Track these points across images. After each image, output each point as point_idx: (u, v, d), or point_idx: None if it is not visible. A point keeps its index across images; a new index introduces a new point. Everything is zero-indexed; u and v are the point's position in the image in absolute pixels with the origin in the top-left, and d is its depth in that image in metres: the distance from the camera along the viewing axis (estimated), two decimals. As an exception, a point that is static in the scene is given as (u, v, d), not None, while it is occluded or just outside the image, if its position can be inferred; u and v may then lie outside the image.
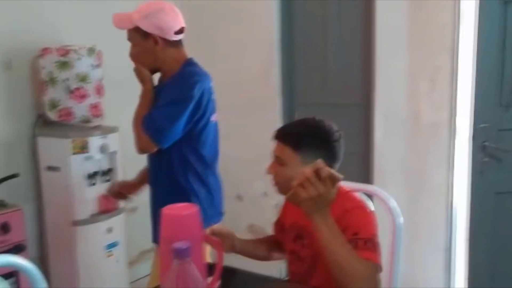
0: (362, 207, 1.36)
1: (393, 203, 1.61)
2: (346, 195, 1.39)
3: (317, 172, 1.15)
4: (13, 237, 2.11)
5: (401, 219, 1.59)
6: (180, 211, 1.16)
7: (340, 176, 1.18)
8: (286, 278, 1.67)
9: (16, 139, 2.52)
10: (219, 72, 3.25)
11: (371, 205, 1.46)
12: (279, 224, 1.60)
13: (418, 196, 2.57)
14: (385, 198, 1.62)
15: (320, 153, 1.33)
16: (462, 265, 2.53)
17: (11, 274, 2.03)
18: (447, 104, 2.43)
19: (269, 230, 3.25)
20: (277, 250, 1.60)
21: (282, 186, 1.38)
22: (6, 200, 2.24)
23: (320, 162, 1.17)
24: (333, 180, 1.16)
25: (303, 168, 1.21)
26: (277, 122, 3.07)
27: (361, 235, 1.26)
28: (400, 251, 1.60)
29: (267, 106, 3.08)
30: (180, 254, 0.90)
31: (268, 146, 3.43)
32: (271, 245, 1.61)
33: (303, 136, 1.37)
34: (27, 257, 1.88)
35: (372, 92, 2.69)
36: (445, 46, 2.39)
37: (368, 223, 1.32)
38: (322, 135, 1.38)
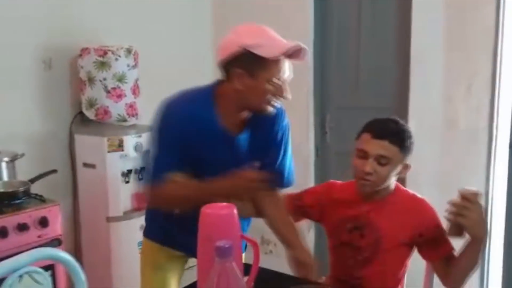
0: (425, 203, 1.53)
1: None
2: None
3: (467, 198, 1.28)
4: (50, 232, 2.16)
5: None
6: (219, 210, 1.17)
7: (477, 191, 1.32)
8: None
9: (54, 136, 2.60)
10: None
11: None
12: (302, 207, 1.65)
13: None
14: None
15: (410, 152, 1.46)
16: (497, 274, 2.47)
17: (48, 267, 2.09)
18: (485, 110, 2.38)
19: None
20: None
21: (377, 185, 1.46)
22: (44, 196, 2.31)
23: (460, 190, 1.31)
24: (476, 196, 1.30)
25: (399, 168, 1.44)
26: (309, 125, 3.07)
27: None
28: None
29: (298, 109, 3.07)
30: (222, 252, 0.91)
31: (298, 147, 3.44)
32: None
33: (407, 137, 1.45)
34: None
35: (406, 96, 2.66)
36: (484, 50, 2.34)
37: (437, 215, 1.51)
38: (412, 138, 1.47)
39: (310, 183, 3.02)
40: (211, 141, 1.46)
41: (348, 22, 2.94)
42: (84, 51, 2.48)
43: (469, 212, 1.26)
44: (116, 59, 2.45)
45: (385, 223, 1.46)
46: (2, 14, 2.34)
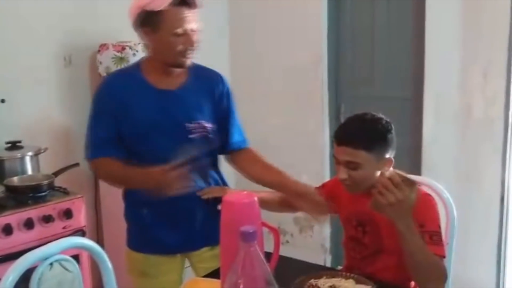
0: (426, 199, 1.41)
1: (446, 195, 1.62)
2: None
3: (392, 179, 1.23)
4: (74, 223, 2.22)
5: (454, 211, 1.59)
6: (242, 199, 1.21)
7: (416, 180, 1.25)
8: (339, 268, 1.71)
9: (76, 130, 2.64)
10: (267, 64, 3.33)
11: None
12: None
13: (469, 191, 2.53)
14: (438, 190, 1.63)
15: (388, 147, 1.41)
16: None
17: (73, 257, 2.15)
18: (501, 98, 2.38)
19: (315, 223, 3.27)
20: (287, 209, 1.66)
21: (359, 187, 1.43)
22: (67, 188, 2.37)
23: (393, 170, 1.26)
24: (410, 184, 1.24)
25: (378, 166, 1.36)
26: (324, 115, 3.09)
27: (427, 228, 1.32)
28: (453, 243, 1.60)
29: (313, 99, 3.10)
30: (247, 237, 0.95)
31: (313, 137, 3.45)
32: (283, 204, 1.65)
33: (373, 136, 1.40)
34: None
35: (421, 85, 2.66)
36: (500, 38, 2.34)
37: (433, 214, 1.37)
38: (385, 130, 1.42)
39: (325, 173, 3.05)
40: (141, 94, 1.57)
41: (364, 10, 2.94)
42: (103, 47, 2.54)
43: (387, 194, 1.23)
44: (134, 54, 2.50)
45: (384, 219, 1.40)
46: (24, 13, 2.40)
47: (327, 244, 3.18)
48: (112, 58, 2.50)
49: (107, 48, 2.52)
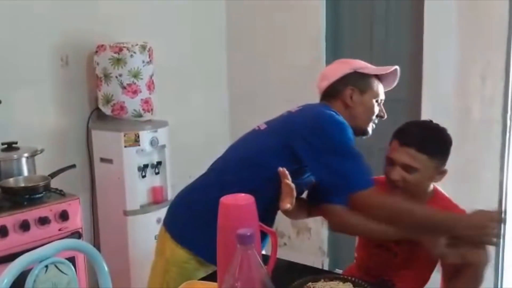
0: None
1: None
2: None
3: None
4: (71, 225, 2.20)
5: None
6: (238, 201, 1.20)
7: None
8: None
9: (72, 132, 2.65)
10: (265, 64, 3.32)
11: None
12: None
13: (467, 195, 2.51)
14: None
15: (447, 158, 1.42)
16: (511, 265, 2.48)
17: (69, 260, 2.14)
18: (499, 100, 2.38)
19: (312, 226, 3.27)
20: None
21: (408, 191, 1.41)
22: (63, 190, 2.36)
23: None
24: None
25: (433, 175, 1.40)
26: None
27: None
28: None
29: (312, 99, 3.07)
30: (244, 240, 0.93)
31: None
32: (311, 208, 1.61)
33: (439, 144, 1.42)
34: (83, 244, 1.96)
35: (419, 87, 2.66)
36: (498, 40, 2.34)
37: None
38: (449, 141, 1.44)
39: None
40: None
41: (362, 11, 2.94)
42: (100, 48, 2.52)
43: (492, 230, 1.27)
44: (132, 56, 2.49)
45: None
46: (20, 13, 2.39)
47: (325, 247, 3.17)
48: (109, 59, 2.49)
49: (105, 49, 2.51)
